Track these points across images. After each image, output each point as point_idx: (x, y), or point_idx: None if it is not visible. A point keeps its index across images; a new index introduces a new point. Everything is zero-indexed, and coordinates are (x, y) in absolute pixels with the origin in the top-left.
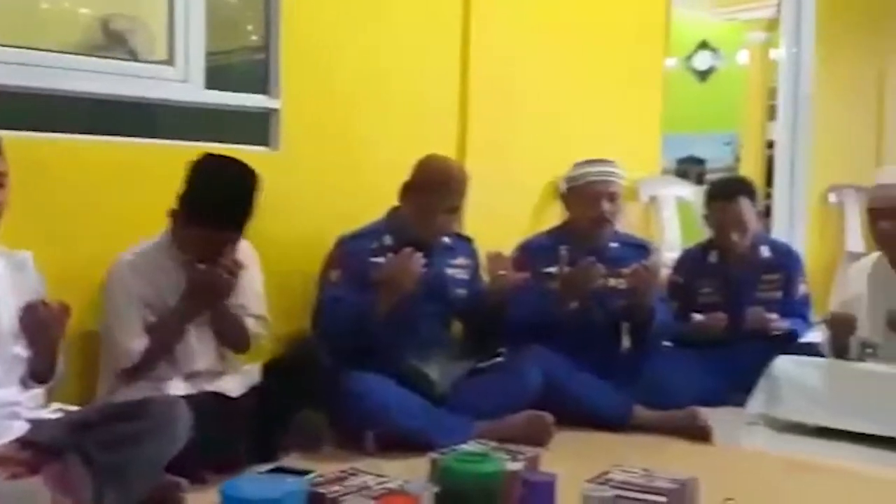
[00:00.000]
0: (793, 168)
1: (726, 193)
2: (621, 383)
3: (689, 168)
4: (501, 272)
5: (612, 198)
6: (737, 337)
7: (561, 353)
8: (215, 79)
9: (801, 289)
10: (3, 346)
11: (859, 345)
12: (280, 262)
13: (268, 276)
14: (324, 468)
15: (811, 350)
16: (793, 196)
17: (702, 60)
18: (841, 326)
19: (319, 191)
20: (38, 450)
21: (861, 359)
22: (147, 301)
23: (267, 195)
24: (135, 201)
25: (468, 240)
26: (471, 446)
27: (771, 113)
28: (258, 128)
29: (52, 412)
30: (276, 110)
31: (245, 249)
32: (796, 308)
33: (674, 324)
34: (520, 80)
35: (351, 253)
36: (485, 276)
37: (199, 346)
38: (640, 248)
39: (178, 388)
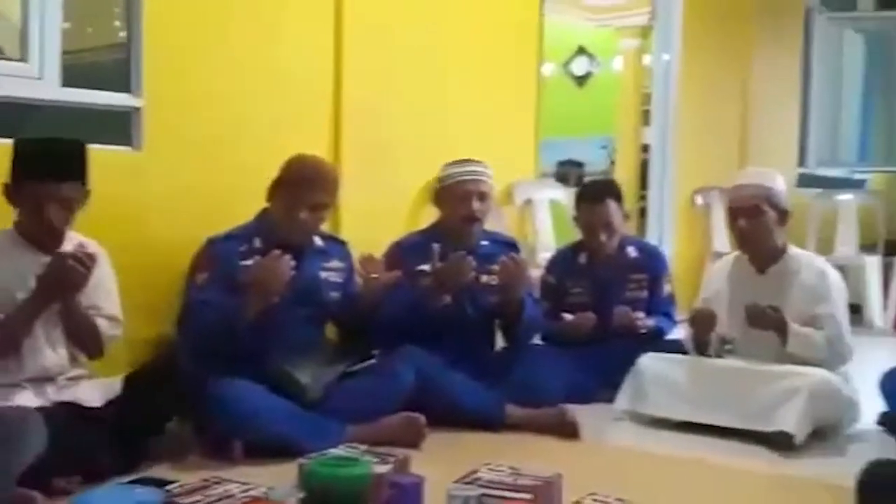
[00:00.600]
0: (663, 171)
1: (594, 196)
2: (494, 382)
3: (568, 171)
4: (374, 275)
5: (482, 197)
6: (605, 335)
7: (434, 351)
8: (75, 77)
9: (666, 288)
10: None
11: (719, 341)
12: (144, 264)
13: (131, 278)
14: (189, 477)
15: (675, 347)
16: (662, 198)
17: (579, 66)
18: (701, 323)
19: (185, 191)
20: None
21: (720, 354)
22: None
23: (130, 196)
24: None
25: (342, 242)
26: (340, 450)
27: (645, 117)
28: (120, 127)
29: None
30: (138, 109)
31: (94, 247)
32: (662, 307)
33: (545, 323)
34: (394, 83)
35: (219, 255)
36: (358, 279)
37: (48, 346)
38: (509, 246)
39: (30, 398)
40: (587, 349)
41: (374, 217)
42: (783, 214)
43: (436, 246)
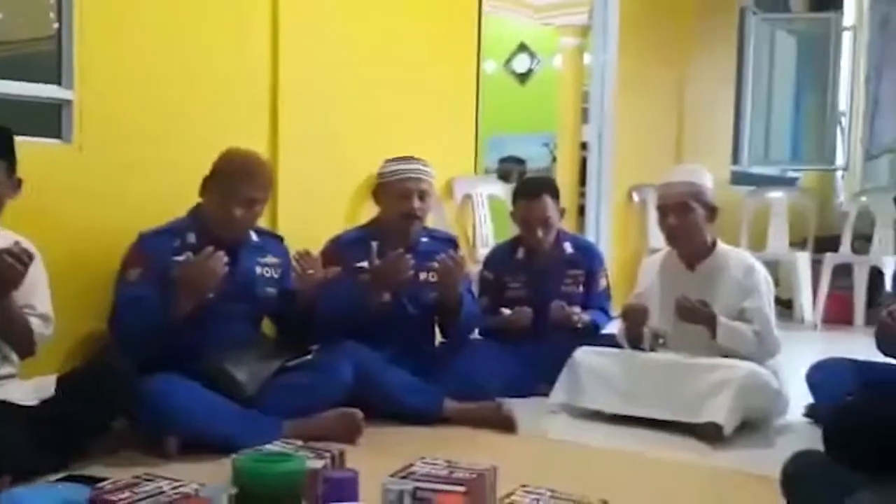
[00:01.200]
0: (600, 169)
1: (531, 192)
2: (432, 376)
3: (510, 168)
4: (310, 271)
5: (422, 195)
6: (542, 330)
7: (373, 347)
8: (6, 68)
9: (602, 283)
10: None
11: (652, 334)
12: (75, 259)
13: (62, 274)
14: (122, 474)
15: (611, 341)
16: (600, 195)
17: (520, 63)
18: (634, 317)
19: (117, 185)
20: None
21: (653, 348)
22: None
23: (61, 189)
24: None
25: (278, 238)
26: (275, 446)
27: (585, 115)
28: (51, 119)
29: None
30: (69, 101)
31: (26, 244)
32: (597, 301)
33: (483, 318)
34: (332, 78)
35: (151, 251)
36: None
37: None
38: (448, 243)
39: None
40: (524, 344)
41: (313, 213)
42: (712, 211)
43: (374, 243)
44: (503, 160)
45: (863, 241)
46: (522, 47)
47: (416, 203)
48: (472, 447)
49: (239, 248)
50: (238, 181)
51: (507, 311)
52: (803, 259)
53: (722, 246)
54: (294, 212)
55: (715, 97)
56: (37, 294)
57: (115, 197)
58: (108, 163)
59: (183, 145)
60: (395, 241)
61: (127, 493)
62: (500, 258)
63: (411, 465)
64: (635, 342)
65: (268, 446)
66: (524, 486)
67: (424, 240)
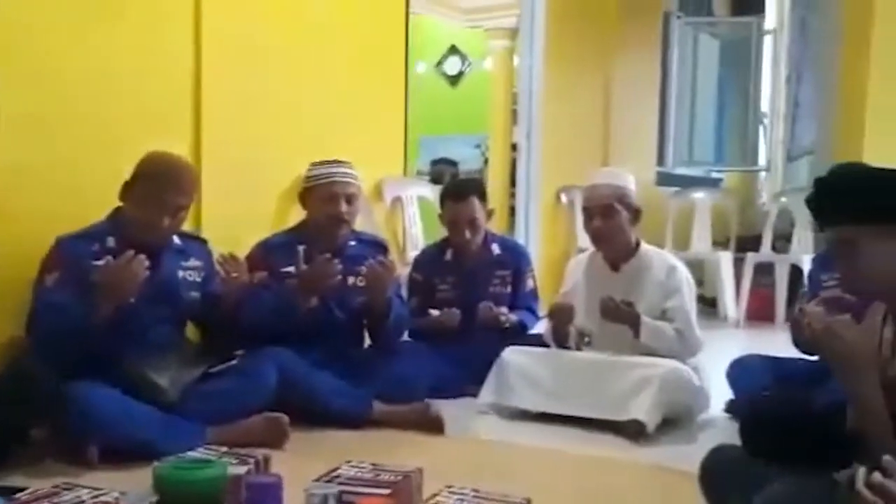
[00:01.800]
0: (528, 170)
1: (458, 193)
2: (361, 380)
3: (443, 169)
4: (234, 274)
5: (350, 199)
6: (470, 330)
7: (300, 352)
8: None
9: (529, 284)
10: None
11: (578, 333)
12: None
13: None
14: (43, 484)
15: (538, 341)
16: (529, 196)
17: (452, 66)
18: (560, 316)
19: (36, 189)
20: None
21: (579, 347)
22: None
23: None
24: None
25: (201, 241)
26: (197, 453)
27: (515, 117)
28: None
29: None
30: None
31: None
32: (525, 302)
33: (412, 320)
34: (256, 80)
35: (70, 255)
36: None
37: None
38: (377, 247)
39: None
40: (453, 344)
41: (238, 216)
42: (635, 213)
43: (301, 247)
44: (435, 162)
45: (783, 241)
46: (453, 49)
47: (344, 207)
48: (399, 449)
49: (161, 252)
50: (166, 190)
51: (435, 313)
52: (726, 258)
53: (645, 247)
54: (219, 215)
55: (640, 99)
56: None
57: (33, 201)
58: (23, 167)
59: (100, 148)
60: (322, 246)
61: (46, 503)
62: (428, 260)
63: (337, 468)
64: (562, 341)
65: (190, 453)
66: (449, 486)
67: (352, 244)
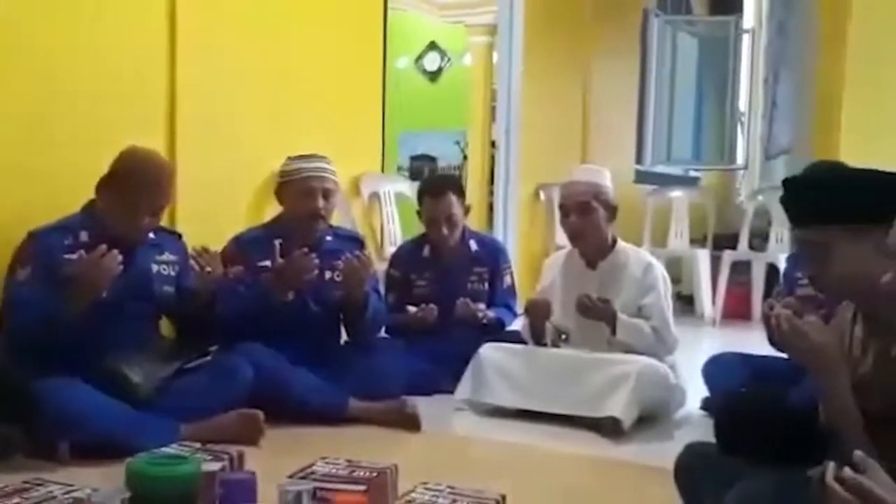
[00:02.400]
0: (507, 167)
1: (435, 190)
2: (337, 375)
3: (422, 165)
4: (208, 269)
5: (327, 194)
6: (448, 327)
7: (276, 347)
8: None
9: (507, 280)
10: None
11: (554, 331)
12: None
13: None
14: (13, 480)
15: (516, 338)
16: (507, 193)
17: (431, 62)
18: (537, 312)
19: (8, 183)
20: None
21: (556, 344)
22: None
23: None
24: None
25: (176, 235)
26: (172, 449)
27: (495, 113)
28: None
29: None
30: None
31: None
32: (503, 298)
33: (389, 316)
34: (233, 74)
35: (42, 249)
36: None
37: None
38: (354, 242)
39: None
40: (430, 341)
41: (214, 210)
42: (612, 211)
43: (277, 242)
44: (415, 158)
45: (760, 239)
46: (433, 45)
47: (321, 202)
48: (376, 446)
49: (135, 246)
50: (142, 190)
51: (413, 309)
52: (703, 256)
53: (622, 244)
54: (194, 209)
55: (619, 97)
56: None
57: (3, 196)
58: None
59: (75, 143)
60: (298, 240)
61: (16, 500)
62: (406, 256)
63: (311, 465)
64: (538, 338)
65: (163, 449)
66: (425, 483)
67: (329, 238)
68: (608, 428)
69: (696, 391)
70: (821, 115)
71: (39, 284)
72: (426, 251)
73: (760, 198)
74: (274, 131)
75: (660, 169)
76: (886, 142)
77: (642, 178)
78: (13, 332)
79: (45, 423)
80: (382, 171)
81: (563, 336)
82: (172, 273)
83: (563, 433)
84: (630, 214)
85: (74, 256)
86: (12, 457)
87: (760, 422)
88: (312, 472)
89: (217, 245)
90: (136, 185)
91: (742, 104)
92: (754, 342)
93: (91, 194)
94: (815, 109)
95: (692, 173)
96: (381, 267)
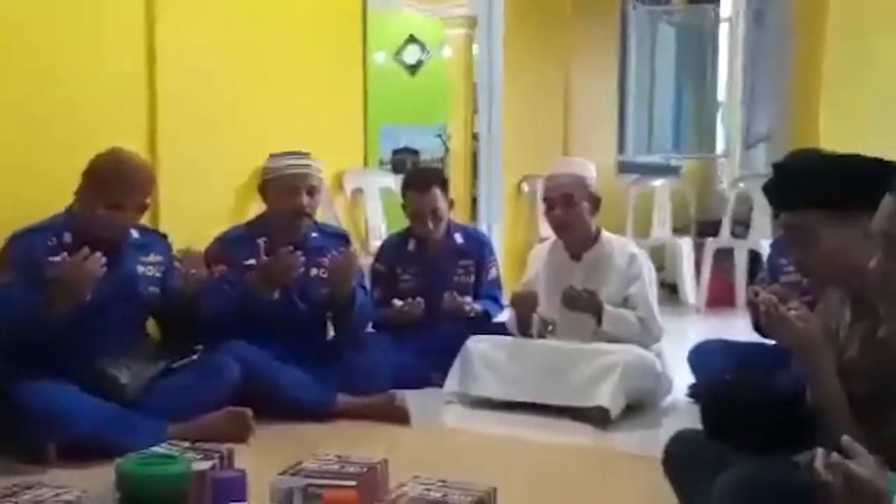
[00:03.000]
0: (490, 159)
1: (419, 184)
2: (325, 372)
3: (404, 159)
4: (192, 270)
5: (311, 191)
6: (435, 320)
7: (263, 345)
8: None
9: (493, 273)
10: None
11: (541, 322)
12: None
13: None
14: (0, 483)
15: (502, 330)
16: (491, 186)
17: (410, 55)
18: (522, 304)
19: None
20: None
21: (543, 335)
22: None
23: None
24: None
25: (161, 235)
26: (161, 449)
27: (476, 106)
28: None
29: None
30: None
31: None
32: (489, 291)
33: (375, 311)
34: (213, 71)
35: (24, 250)
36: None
37: None
38: (340, 238)
39: None
40: (417, 335)
41: (197, 209)
42: (595, 202)
43: (262, 240)
44: (397, 151)
45: (742, 226)
46: (412, 39)
47: (305, 199)
48: (366, 441)
49: (120, 247)
50: (118, 190)
51: (399, 303)
52: (686, 244)
53: (606, 235)
54: (177, 209)
55: (599, 88)
56: None
57: None
58: None
59: (55, 144)
60: (283, 238)
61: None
62: (391, 250)
63: (302, 461)
64: (525, 330)
65: (152, 449)
66: (416, 476)
67: (314, 235)
68: (596, 417)
69: (682, 379)
70: (799, 103)
71: (21, 286)
72: (411, 245)
73: (742, 185)
74: (256, 129)
75: (641, 159)
76: (865, 129)
77: (624, 168)
78: None
79: (32, 424)
80: (365, 165)
81: (550, 327)
82: (158, 274)
83: (552, 424)
84: (613, 205)
85: (58, 258)
86: None
87: (746, 408)
88: (303, 469)
89: (201, 244)
90: (108, 184)
91: (721, 93)
92: (739, 329)
93: (72, 195)
94: (793, 97)
95: (673, 162)
96: (366, 262)
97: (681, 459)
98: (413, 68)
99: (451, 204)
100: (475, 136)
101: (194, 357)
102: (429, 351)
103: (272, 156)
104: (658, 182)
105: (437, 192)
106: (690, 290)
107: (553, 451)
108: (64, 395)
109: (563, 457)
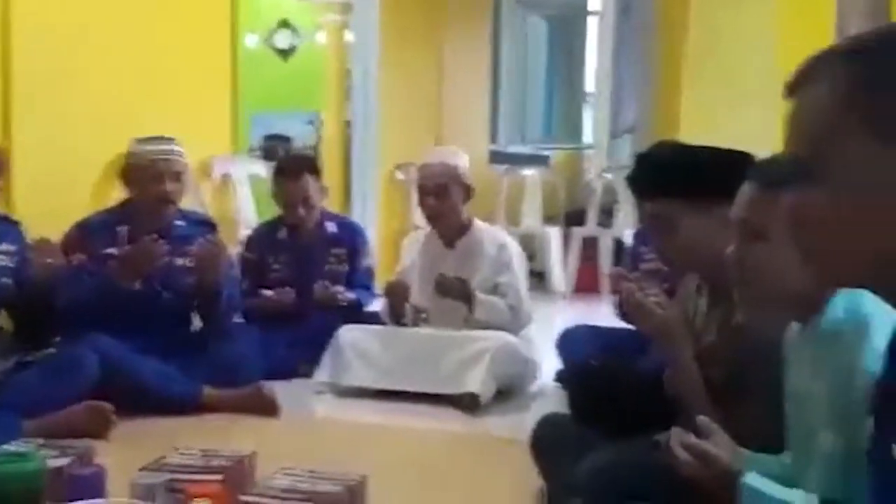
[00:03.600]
0: (364, 147)
1: (291, 171)
2: (191, 364)
3: (275, 146)
4: (48, 260)
5: (175, 177)
6: (306, 310)
7: (125, 336)
8: None
9: (365, 262)
10: None
11: (413, 311)
12: None
13: None
14: None
15: (375, 319)
16: (364, 174)
17: (283, 39)
18: (395, 294)
19: None
20: None
21: (416, 324)
22: None
23: None
24: None
25: (14, 223)
26: (14, 446)
27: (349, 93)
28: None
29: None
30: None
31: None
32: (361, 280)
33: (244, 301)
34: (72, 53)
35: None
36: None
37: None
38: (206, 226)
39: None
40: (287, 324)
41: (54, 196)
42: (468, 191)
43: (123, 228)
44: (268, 138)
45: (607, 216)
46: (284, 23)
47: (169, 185)
48: (233, 434)
49: None
50: None
51: (268, 292)
52: (555, 233)
53: (478, 224)
54: (33, 196)
55: (473, 77)
56: None
57: None
58: None
59: None
60: (146, 226)
61: None
62: (261, 238)
63: (164, 456)
64: (398, 318)
65: (4, 446)
66: (284, 468)
67: (179, 223)
68: (467, 404)
69: (550, 364)
70: (662, 96)
71: None
72: (282, 233)
73: (608, 175)
74: (119, 112)
75: (513, 149)
76: (722, 121)
77: (497, 158)
78: None
79: None
80: (234, 151)
81: (423, 316)
82: (11, 264)
83: (424, 411)
84: (485, 194)
85: None
86: None
87: (611, 392)
88: (166, 464)
89: (58, 233)
90: None
91: (590, 85)
92: (604, 314)
93: None
94: (657, 90)
95: (543, 152)
96: (234, 250)
97: (548, 442)
98: (285, 53)
99: (324, 192)
100: (348, 124)
101: (51, 350)
102: (300, 341)
103: (135, 140)
104: (529, 172)
105: (309, 179)
106: (558, 277)
107: (425, 438)
108: None
109: (435, 443)
